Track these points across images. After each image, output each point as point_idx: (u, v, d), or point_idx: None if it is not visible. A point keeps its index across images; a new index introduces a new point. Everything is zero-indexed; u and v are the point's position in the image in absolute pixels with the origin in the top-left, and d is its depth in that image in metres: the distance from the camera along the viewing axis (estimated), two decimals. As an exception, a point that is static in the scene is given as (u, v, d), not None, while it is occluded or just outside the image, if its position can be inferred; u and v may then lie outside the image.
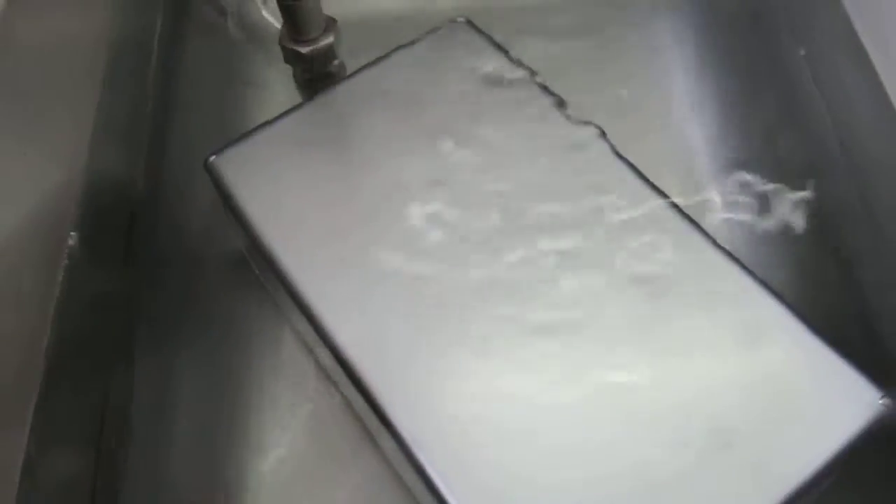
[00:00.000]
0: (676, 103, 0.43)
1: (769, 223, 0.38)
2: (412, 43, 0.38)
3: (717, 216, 0.39)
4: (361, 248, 0.32)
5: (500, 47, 0.38)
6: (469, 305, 0.31)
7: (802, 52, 0.38)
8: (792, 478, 0.27)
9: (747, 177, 0.39)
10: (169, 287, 0.40)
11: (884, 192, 0.33)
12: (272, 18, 0.45)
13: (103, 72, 0.38)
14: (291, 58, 0.40)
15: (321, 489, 0.34)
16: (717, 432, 0.27)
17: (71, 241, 0.34)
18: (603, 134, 0.35)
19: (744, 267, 0.31)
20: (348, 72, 0.39)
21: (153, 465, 0.35)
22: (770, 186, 0.39)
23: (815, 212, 0.37)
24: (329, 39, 0.39)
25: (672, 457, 0.27)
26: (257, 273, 0.38)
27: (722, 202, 0.39)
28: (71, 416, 0.32)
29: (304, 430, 0.35)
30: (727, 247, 0.31)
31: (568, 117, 0.36)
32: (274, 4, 0.39)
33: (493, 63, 0.38)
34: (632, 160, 0.34)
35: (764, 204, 0.38)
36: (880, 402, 0.28)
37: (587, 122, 0.35)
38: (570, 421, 0.28)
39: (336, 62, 0.40)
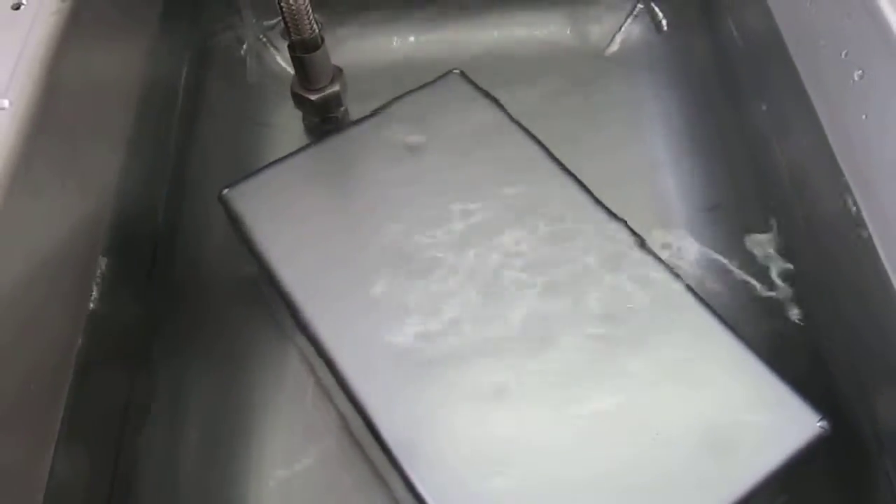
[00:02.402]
0: (652, 151, 0.46)
1: (736, 262, 0.41)
2: (409, 93, 0.42)
3: (687, 253, 0.42)
4: (360, 276, 0.36)
5: (491, 98, 0.42)
6: (458, 331, 0.34)
7: (764, 107, 0.42)
8: (736, 488, 0.29)
9: (715, 216, 0.43)
10: (185, 307, 0.42)
11: (827, 218, 0.36)
12: (286, 66, 0.49)
13: (134, 111, 0.42)
14: (301, 104, 0.43)
15: (315, 491, 0.37)
16: (669, 446, 0.30)
17: (101, 264, 0.37)
18: (577, 179, 0.38)
19: (704, 302, 0.34)
20: (353, 117, 0.43)
21: (165, 461, 0.37)
22: (736, 226, 0.43)
23: (780, 249, 0.41)
24: (336, 88, 0.42)
25: (628, 471, 0.30)
26: (265, 296, 0.41)
27: (692, 240, 0.42)
28: (95, 414, 0.35)
29: (301, 439, 0.38)
30: (696, 281, 0.35)
31: (553, 162, 0.39)
32: (288, 53, 0.43)
33: (483, 113, 0.41)
34: (610, 201, 0.37)
35: (732, 242, 0.42)
36: (818, 424, 0.31)
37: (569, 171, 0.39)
38: (548, 443, 0.31)
39: (342, 109, 0.44)
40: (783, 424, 0.31)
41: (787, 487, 0.34)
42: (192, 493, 0.37)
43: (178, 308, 0.42)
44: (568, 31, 0.52)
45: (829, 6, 0.34)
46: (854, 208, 0.33)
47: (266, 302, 0.41)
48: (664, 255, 0.37)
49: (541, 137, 0.40)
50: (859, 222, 0.33)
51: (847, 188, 0.33)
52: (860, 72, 0.31)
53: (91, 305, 0.35)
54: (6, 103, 0.29)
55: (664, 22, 0.51)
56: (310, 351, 0.36)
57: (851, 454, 0.35)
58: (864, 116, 0.31)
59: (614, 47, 0.51)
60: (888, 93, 0.30)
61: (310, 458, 0.37)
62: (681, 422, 0.31)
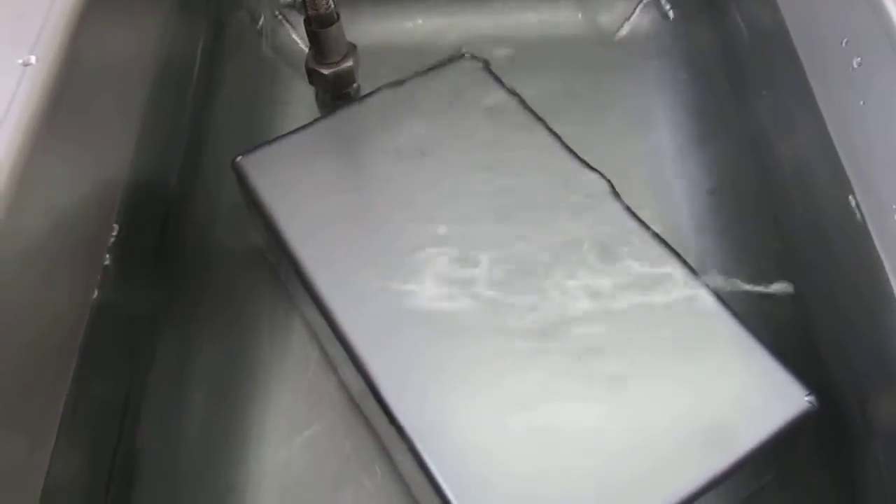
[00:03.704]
0: (658, 135, 0.47)
1: (733, 245, 0.42)
2: (422, 73, 0.43)
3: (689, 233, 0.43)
4: (366, 243, 0.36)
5: (500, 80, 0.43)
6: (470, 302, 0.34)
7: (765, 94, 0.43)
8: (723, 459, 0.30)
9: (716, 200, 0.44)
10: (194, 273, 0.44)
11: (824, 203, 0.37)
12: (301, 42, 0.50)
13: (151, 82, 0.43)
14: (315, 78, 0.44)
15: (315, 452, 0.38)
16: (656, 419, 0.31)
17: (114, 230, 0.38)
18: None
19: (694, 272, 0.35)
20: (363, 93, 0.44)
21: (169, 423, 0.39)
22: (735, 210, 0.44)
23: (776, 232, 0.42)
24: (349, 63, 0.43)
25: (616, 444, 0.31)
26: (272, 264, 0.42)
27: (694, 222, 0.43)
28: (105, 368, 0.36)
29: (304, 404, 0.39)
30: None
31: (562, 145, 0.40)
32: (303, 30, 0.44)
33: (492, 94, 0.42)
34: (616, 182, 0.38)
35: (730, 225, 0.43)
36: (806, 399, 0.31)
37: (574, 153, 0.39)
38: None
39: (354, 85, 0.45)
40: (771, 398, 0.31)
41: (777, 466, 0.35)
42: (195, 455, 0.38)
43: (186, 275, 0.43)
44: (579, 17, 0.53)
45: (831, -4, 0.35)
46: (850, 195, 0.34)
47: (273, 270, 0.42)
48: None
49: (549, 119, 0.41)
50: (855, 208, 0.34)
51: (844, 174, 0.34)
52: (859, 59, 0.32)
53: (103, 265, 0.37)
54: (33, 59, 0.30)
55: (671, 12, 0.52)
56: (315, 317, 0.37)
57: (841, 436, 0.36)
58: (861, 103, 0.32)
59: (623, 34, 0.52)
60: (886, 80, 0.31)
61: (312, 424, 0.38)
62: (667, 393, 0.32)
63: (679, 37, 0.51)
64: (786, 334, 0.39)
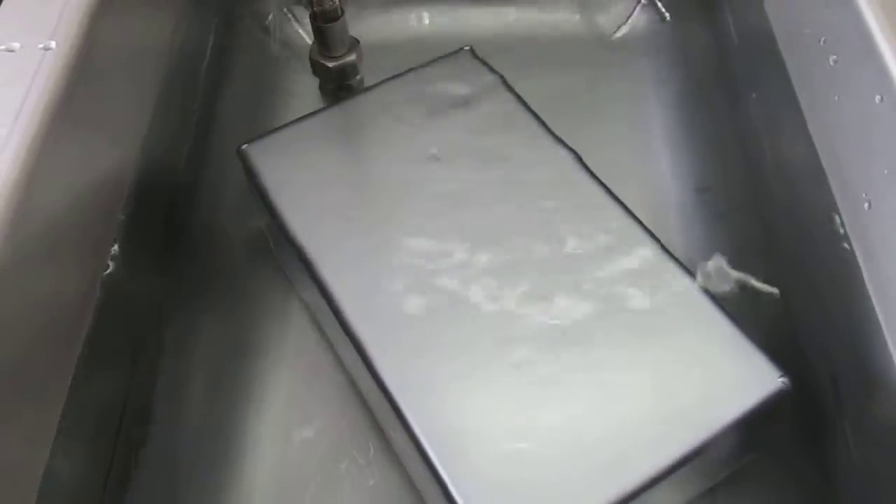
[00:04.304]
0: (650, 133, 0.49)
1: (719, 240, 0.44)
2: (422, 66, 0.44)
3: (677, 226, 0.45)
4: (366, 229, 0.38)
5: (497, 74, 0.44)
6: (455, 289, 0.35)
7: (754, 95, 0.44)
8: (695, 436, 0.31)
9: (705, 198, 0.45)
10: (198, 257, 0.45)
11: (804, 198, 0.38)
12: (306, 36, 0.52)
13: (164, 71, 0.45)
14: (319, 70, 0.46)
15: (313, 429, 0.39)
16: (631, 398, 0.32)
17: (122, 214, 0.39)
18: (579, 158, 0.40)
19: (676, 259, 0.36)
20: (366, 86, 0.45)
21: (171, 410, 0.40)
22: (723, 207, 0.45)
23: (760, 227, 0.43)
24: (352, 57, 0.45)
25: (590, 424, 0.32)
26: (273, 248, 0.44)
27: (680, 217, 0.45)
28: (109, 356, 0.38)
29: (302, 381, 0.41)
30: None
31: (553, 139, 0.41)
32: (308, 24, 0.45)
33: (489, 88, 0.43)
34: (606, 177, 0.39)
35: (718, 221, 0.44)
36: (779, 380, 0.32)
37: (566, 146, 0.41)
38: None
39: (357, 77, 0.47)
40: (745, 379, 0.32)
41: (755, 449, 0.36)
42: (197, 432, 0.40)
43: (191, 258, 0.45)
44: (578, 17, 0.55)
45: (812, -3, 0.36)
46: (827, 192, 0.35)
47: (275, 255, 0.44)
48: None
49: (545, 115, 0.42)
50: (832, 204, 0.35)
51: (821, 169, 0.36)
52: (835, 56, 0.34)
53: (112, 248, 0.38)
54: (53, 44, 0.32)
55: (667, 14, 0.54)
56: (316, 302, 0.38)
57: (816, 418, 0.37)
58: (836, 98, 0.33)
59: (620, 34, 0.53)
60: (858, 76, 0.32)
61: (309, 403, 0.40)
62: (640, 373, 0.32)
63: (674, 38, 0.53)
64: (766, 322, 0.40)
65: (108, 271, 0.38)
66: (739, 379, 0.32)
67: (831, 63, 0.34)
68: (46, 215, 0.33)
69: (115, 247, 0.39)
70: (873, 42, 0.31)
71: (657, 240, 0.37)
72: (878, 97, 0.30)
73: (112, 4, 0.37)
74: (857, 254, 0.33)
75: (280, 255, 0.43)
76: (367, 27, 0.51)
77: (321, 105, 0.48)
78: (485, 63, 0.45)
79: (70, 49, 0.33)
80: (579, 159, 0.40)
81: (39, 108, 0.31)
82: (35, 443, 0.31)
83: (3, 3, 0.34)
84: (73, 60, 0.33)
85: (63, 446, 0.33)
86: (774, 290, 0.39)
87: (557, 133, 0.41)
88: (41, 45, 0.32)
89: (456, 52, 0.46)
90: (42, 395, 0.33)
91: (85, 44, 0.34)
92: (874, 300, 0.31)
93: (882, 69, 0.30)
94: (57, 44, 0.32)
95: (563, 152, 0.41)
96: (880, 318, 0.31)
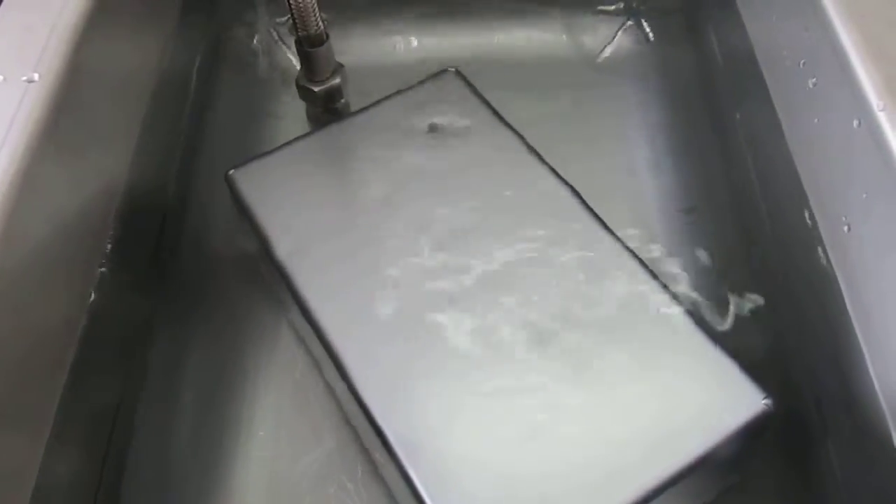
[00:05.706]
0: (635, 153, 0.49)
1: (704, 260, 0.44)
2: (407, 88, 0.45)
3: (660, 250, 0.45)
4: (351, 252, 0.38)
5: (481, 97, 0.44)
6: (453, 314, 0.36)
7: (738, 116, 0.44)
8: (679, 459, 0.31)
9: (691, 218, 0.46)
10: (187, 281, 0.45)
11: (787, 219, 0.38)
12: (294, 59, 0.52)
13: (150, 95, 0.45)
14: (305, 94, 0.46)
15: (300, 450, 0.39)
16: (615, 420, 0.32)
17: (110, 239, 0.39)
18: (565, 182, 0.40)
19: (661, 283, 0.36)
20: (353, 109, 0.45)
21: (160, 425, 0.40)
22: (709, 227, 0.45)
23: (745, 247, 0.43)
24: (336, 81, 0.45)
25: (576, 446, 0.32)
26: (262, 272, 0.44)
27: (666, 239, 0.45)
28: (98, 373, 0.38)
29: (290, 402, 0.41)
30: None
31: (538, 160, 0.41)
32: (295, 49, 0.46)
33: (473, 110, 0.44)
34: (591, 198, 0.39)
35: (704, 241, 0.45)
36: (763, 402, 0.32)
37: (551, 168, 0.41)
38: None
39: (342, 101, 0.47)
40: (729, 401, 0.32)
41: (740, 470, 0.36)
42: (184, 455, 0.40)
43: (180, 282, 0.45)
44: (564, 38, 0.55)
45: (791, 21, 0.37)
46: (806, 209, 0.36)
47: (263, 279, 0.44)
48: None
49: (530, 136, 0.42)
50: (811, 221, 0.35)
51: (802, 190, 0.36)
52: (814, 79, 0.34)
53: (100, 271, 0.38)
54: (36, 76, 0.32)
55: (651, 35, 0.54)
56: (302, 325, 0.38)
57: (802, 439, 0.37)
58: (815, 121, 0.34)
59: (605, 55, 0.54)
60: (836, 98, 0.32)
61: (297, 424, 0.40)
62: (623, 395, 0.32)
63: (659, 59, 0.53)
64: (752, 341, 0.40)
65: (95, 295, 0.38)
66: (724, 401, 0.33)
67: (811, 86, 0.34)
68: (34, 242, 0.33)
69: (103, 269, 0.39)
70: (850, 66, 0.31)
71: (642, 262, 0.37)
72: (855, 122, 0.31)
73: (97, 32, 0.37)
74: (839, 276, 0.33)
75: (269, 278, 0.43)
76: (353, 49, 0.51)
77: (308, 128, 0.48)
78: (470, 84, 0.45)
79: (53, 80, 0.33)
80: (565, 182, 0.40)
81: (24, 138, 0.32)
82: (21, 468, 0.31)
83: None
84: (57, 91, 0.33)
85: (50, 470, 0.33)
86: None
87: (542, 154, 0.41)
88: (24, 78, 0.32)
89: (441, 73, 0.46)
90: (28, 419, 0.33)
91: (68, 74, 0.34)
92: (854, 323, 0.31)
93: (859, 94, 0.31)
94: (40, 76, 0.33)
95: (547, 174, 0.41)
96: (860, 339, 0.31)
